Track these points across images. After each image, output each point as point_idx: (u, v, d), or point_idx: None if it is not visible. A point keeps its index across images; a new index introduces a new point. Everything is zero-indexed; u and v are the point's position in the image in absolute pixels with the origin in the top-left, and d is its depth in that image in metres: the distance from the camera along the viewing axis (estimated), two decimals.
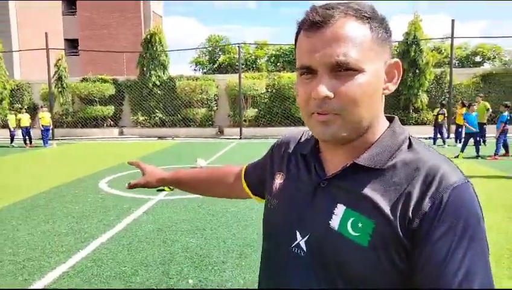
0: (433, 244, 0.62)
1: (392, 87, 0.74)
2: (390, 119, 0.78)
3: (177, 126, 19.46)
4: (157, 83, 19.57)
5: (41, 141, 15.01)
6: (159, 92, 19.67)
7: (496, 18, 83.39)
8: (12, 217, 5.19)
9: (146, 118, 19.79)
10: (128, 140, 17.50)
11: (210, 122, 19.66)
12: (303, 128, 0.85)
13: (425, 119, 17.63)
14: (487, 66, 31.50)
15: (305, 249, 0.74)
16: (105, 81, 19.86)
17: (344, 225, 0.69)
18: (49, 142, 15.35)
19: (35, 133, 15.99)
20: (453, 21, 16.36)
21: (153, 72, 19.45)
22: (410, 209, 0.65)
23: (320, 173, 0.77)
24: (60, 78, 19.31)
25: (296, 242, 0.75)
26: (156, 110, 19.73)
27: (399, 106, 18.13)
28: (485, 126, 12.34)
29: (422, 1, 67.80)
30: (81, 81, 19.96)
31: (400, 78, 0.75)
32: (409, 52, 17.32)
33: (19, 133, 15.31)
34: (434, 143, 12.95)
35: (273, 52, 37.81)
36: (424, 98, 17.69)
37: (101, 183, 7.27)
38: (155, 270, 3.44)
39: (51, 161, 11.12)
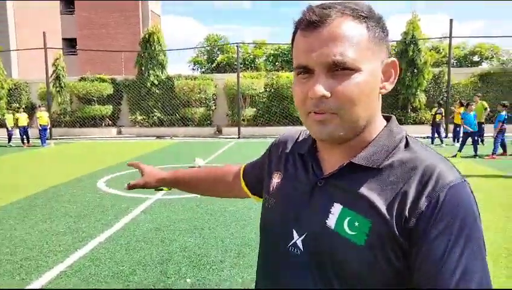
0: (430, 243, 0.62)
1: (389, 86, 0.74)
2: (387, 119, 0.78)
3: (176, 125, 19.45)
4: (156, 82, 19.56)
5: (39, 141, 14.98)
6: (157, 91, 19.65)
7: (494, 18, 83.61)
8: (10, 216, 5.17)
9: (144, 117, 19.77)
10: (126, 139, 17.47)
11: (208, 122, 19.65)
12: (301, 127, 0.85)
13: (424, 118, 17.67)
14: (485, 66, 31.57)
15: (301, 248, 0.74)
16: (103, 80, 19.83)
17: (341, 224, 0.70)
18: (47, 141, 15.32)
19: (33, 132, 15.95)
20: (451, 20, 16.39)
21: (151, 71, 19.43)
22: (407, 208, 0.65)
23: (318, 172, 0.77)
24: (58, 78, 19.27)
25: (292, 241, 0.75)
26: (154, 110, 19.71)
27: (397, 105, 18.17)
28: (483, 125, 12.38)
29: (420, 1, 67.92)
30: (79, 80, 19.92)
31: (396, 78, 0.75)
32: (407, 51, 17.35)
33: (16, 133, 15.29)
34: (432, 142, 12.98)
35: (272, 52, 37.79)
36: (422, 97, 17.73)
37: (99, 183, 7.26)
38: (153, 269, 3.44)
39: (48, 161, 11.10)
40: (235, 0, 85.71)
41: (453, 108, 14.73)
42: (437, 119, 13.08)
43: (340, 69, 0.66)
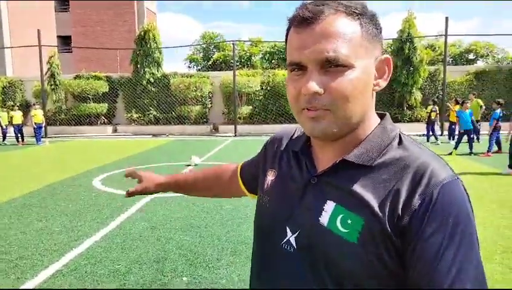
0: (425, 242, 0.62)
1: (383, 83, 0.74)
2: (381, 116, 0.78)
3: (172, 124, 19.40)
4: (151, 80, 19.48)
5: (34, 139, 14.89)
6: (153, 89, 19.57)
7: (489, 17, 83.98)
8: (5, 215, 5.14)
9: (140, 115, 19.69)
10: (122, 138, 17.41)
11: (204, 120, 19.62)
12: (297, 125, 0.85)
13: (419, 116, 17.75)
14: (480, 64, 31.74)
15: (295, 245, 0.74)
16: (98, 78, 19.73)
17: (333, 222, 0.70)
18: (42, 139, 15.24)
19: (27, 130, 15.86)
20: (446, 18, 16.44)
21: (146, 69, 19.35)
22: (400, 206, 0.65)
23: (311, 170, 0.77)
24: (52, 76, 19.14)
25: (286, 238, 0.75)
26: (150, 108, 19.64)
27: (393, 103, 18.23)
28: (478, 123, 12.44)
29: (416, 0, 68.07)
30: (74, 78, 19.80)
31: (390, 75, 0.75)
32: (403, 49, 17.39)
33: (11, 131, 15.18)
34: (427, 140, 13.04)
35: (268, 50, 37.77)
36: (417, 95, 17.79)
37: (95, 181, 7.23)
38: (149, 268, 3.43)
39: (43, 159, 11.03)
40: (233, 0, 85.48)
41: (448, 104, 14.78)
42: (432, 117, 13.14)
43: (333, 66, 0.66)
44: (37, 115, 14.98)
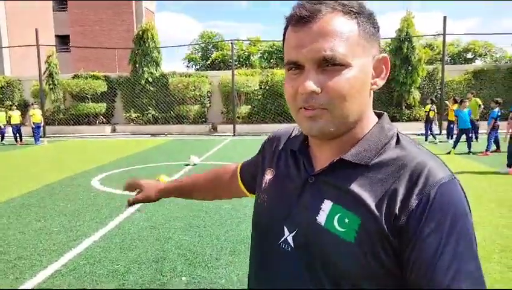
0: (422, 242, 0.62)
1: (380, 82, 0.74)
2: (379, 116, 0.78)
3: (170, 123, 19.38)
4: (150, 79, 19.44)
5: (32, 139, 14.86)
6: (151, 88, 19.53)
7: (487, 16, 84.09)
8: (3, 215, 5.13)
9: (139, 115, 19.66)
10: (120, 137, 17.38)
11: (203, 119, 19.60)
12: (295, 124, 0.85)
13: (418, 115, 17.75)
14: (479, 63, 31.78)
15: (292, 244, 0.74)
16: (97, 78, 19.68)
17: (331, 221, 0.70)
18: (40, 139, 15.21)
19: (26, 130, 15.81)
20: (445, 18, 16.45)
21: (145, 68, 19.30)
22: (397, 206, 0.65)
23: (309, 169, 0.77)
24: (51, 75, 19.07)
25: (283, 238, 0.75)
26: (149, 107, 19.61)
27: (392, 102, 18.22)
28: (477, 122, 12.45)
29: (415, 0, 68.12)
30: (73, 78, 19.75)
31: (388, 74, 0.75)
32: (401, 48, 17.39)
33: (9, 131, 15.14)
34: (426, 139, 13.05)
35: (267, 49, 37.74)
36: (416, 94, 17.80)
37: (93, 181, 7.22)
38: (148, 268, 3.43)
39: (42, 159, 11.01)
40: (232, 0, 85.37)
41: (447, 102, 14.79)
42: (430, 116, 13.15)
43: (330, 65, 0.66)
44: (36, 115, 14.95)
